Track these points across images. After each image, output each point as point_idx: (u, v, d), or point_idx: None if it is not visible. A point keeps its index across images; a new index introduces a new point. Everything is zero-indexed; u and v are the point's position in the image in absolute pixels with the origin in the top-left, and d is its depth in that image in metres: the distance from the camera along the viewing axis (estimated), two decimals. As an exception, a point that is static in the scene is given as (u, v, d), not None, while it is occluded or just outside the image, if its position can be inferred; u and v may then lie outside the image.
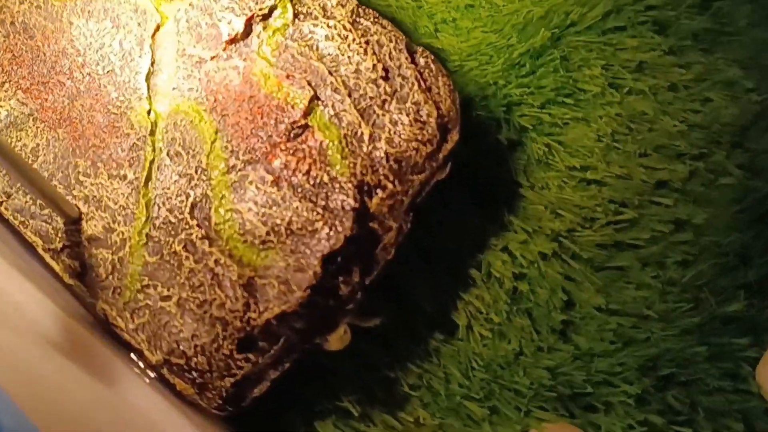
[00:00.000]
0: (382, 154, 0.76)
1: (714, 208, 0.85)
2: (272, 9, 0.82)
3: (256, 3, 0.83)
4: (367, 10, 0.84)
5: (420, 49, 0.84)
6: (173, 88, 0.82)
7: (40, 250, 0.81)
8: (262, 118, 0.78)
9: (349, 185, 0.74)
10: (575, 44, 0.93)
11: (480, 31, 0.97)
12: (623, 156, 0.88)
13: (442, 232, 0.88)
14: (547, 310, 0.83)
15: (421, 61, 0.83)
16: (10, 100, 0.87)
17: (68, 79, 0.86)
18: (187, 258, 0.75)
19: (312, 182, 0.74)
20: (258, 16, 0.82)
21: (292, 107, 0.78)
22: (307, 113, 0.78)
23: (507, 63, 0.94)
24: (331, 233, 0.72)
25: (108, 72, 0.84)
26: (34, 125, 0.85)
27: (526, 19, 0.94)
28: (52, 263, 0.81)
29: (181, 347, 0.73)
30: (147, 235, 0.77)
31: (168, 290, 0.75)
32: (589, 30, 0.94)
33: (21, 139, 0.85)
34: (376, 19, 0.83)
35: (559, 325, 0.83)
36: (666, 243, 0.84)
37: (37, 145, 0.84)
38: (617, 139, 0.89)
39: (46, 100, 0.86)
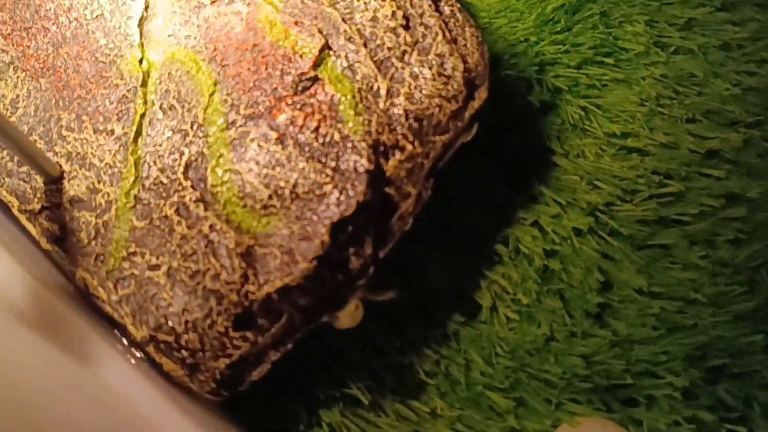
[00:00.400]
0: (401, 111, 0.69)
1: (771, 181, 0.78)
2: (280, -53, 0.75)
3: (263, -60, 0.75)
4: (386, -48, 0.76)
5: (445, -4, 0.77)
6: (168, 35, 0.75)
7: (15, 211, 0.75)
8: (266, 68, 0.71)
9: (363, 145, 0.67)
10: (616, -2, 0.87)
11: (510, -15, 0.91)
12: (669, 122, 0.82)
13: (465, 203, 0.81)
14: (581, 291, 0.76)
15: (446, 10, 0.76)
16: (-11, 47, 0.80)
17: (53, 24, 0.78)
18: (179, 223, 0.68)
19: (321, 141, 0.67)
20: (264, -46, 0.75)
21: (301, 57, 0.71)
22: (317, 64, 0.71)
23: (540, 19, 0.88)
24: (342, 198, 0.65)
25: (97, 17, 0.78)
26: (14, 74, 0.78)
27: (562, -30, 0.88)
28: (29, 226, 0.74)
29: (170, 323, 0.66)
30: (135, 196, 0.70)
31: (157, 258, 0.68)
32: (632, -17, 0.88)
33: (0, 89, 0.78)
34: (396, -38, 0.76)
35: (594, 308, 0.76)
36: (716, 219, 0.77)
37: (17, 96, 0.77)
38: (662, 104, 0.82)
39: (29, 47, 0.79)
